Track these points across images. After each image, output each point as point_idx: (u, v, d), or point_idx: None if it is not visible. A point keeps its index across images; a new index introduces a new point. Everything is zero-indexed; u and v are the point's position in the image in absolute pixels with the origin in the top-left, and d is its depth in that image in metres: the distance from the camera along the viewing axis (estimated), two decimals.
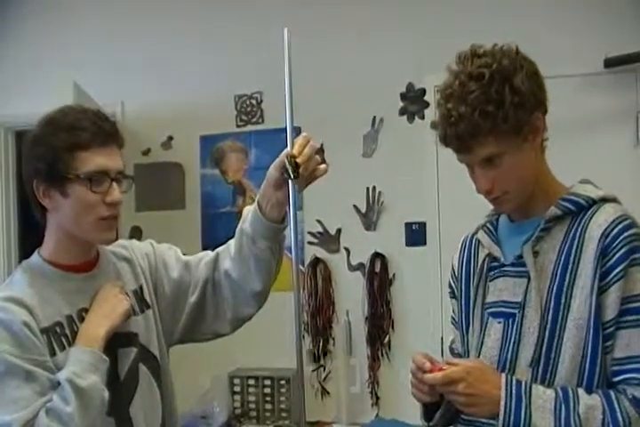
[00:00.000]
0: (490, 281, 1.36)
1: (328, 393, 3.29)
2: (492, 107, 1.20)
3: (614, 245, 1.20)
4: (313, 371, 3.28)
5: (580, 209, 1.27)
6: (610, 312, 1.19)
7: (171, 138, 3.61)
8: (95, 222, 1.32)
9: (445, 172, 3.14)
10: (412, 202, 3.21)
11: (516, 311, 1.28)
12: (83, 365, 1.24)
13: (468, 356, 1.38)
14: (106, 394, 1.26)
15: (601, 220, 1.23)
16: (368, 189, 3.28)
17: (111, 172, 1.32)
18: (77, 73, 3.31)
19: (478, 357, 1.33)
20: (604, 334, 1.20)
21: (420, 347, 3.06)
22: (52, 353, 1.26)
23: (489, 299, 1.35)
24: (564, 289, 1.24)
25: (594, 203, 1.27)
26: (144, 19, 3.62)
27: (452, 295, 1.50)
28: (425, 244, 3.20)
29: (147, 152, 3.63)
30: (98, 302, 1.34)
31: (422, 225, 3.21)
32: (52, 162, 1.28)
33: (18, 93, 3.65)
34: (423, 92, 3.23)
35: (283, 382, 3.20)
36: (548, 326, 1.24)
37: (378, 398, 3.23)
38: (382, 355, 3.23)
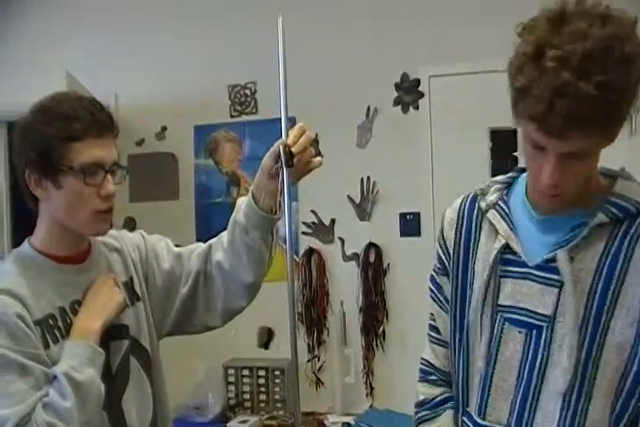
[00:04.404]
0: (503, 277, 1.20)
1: (322, 384, 3.30)
2: (616, 96, 0.98)
3: None
4: (307, 361, 3.28)
5: (626, 216, 1.12)
6: None
7: (164, 128, 3.60)
8: (89, 215, 1.30)
9: (439, 162, 3.14)
10: (406, 192, 3.21)
11: (543, 324, 1.15)
12: (79, 358, 1.22)
13: (459, 351, 1.28)
14: (102, 388, 1.24)
15: None
16: (362, 179, 3.28)
17: (106, 164, 1.29)
18: (71, 64, 3.30)
19: (494, 366, 1.20)
20: None
21: (415, 337, 3.08)
22: (46, 346, 1.24)
23: (504, 300, 1.20)
24: (606, 308, 1.10)
25: None
26: (138, 10, 3.59)
27: (443, 272, 1.35)
28: (419, 234, 3.20)
29: (140, 143, 3.61)
30: (92, 294, 1.32)
31: (416, 215, 3.21)
32: (44, 152, 1.25)
33: (10, 84, 3.63)
34: (418, 82, 3.22)
35: (277, 372, 3.20)
36: (585, 347, 1.11)
37: (372, 388, 3.24)
38: (377, 345, 3.24)
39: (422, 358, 1.43)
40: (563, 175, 1.06)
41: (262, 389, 3.23)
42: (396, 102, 3.26)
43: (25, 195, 1.33)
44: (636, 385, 1.11)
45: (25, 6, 3.74)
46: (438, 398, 1.37)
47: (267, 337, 3.18)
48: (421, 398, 1.40)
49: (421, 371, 1.42)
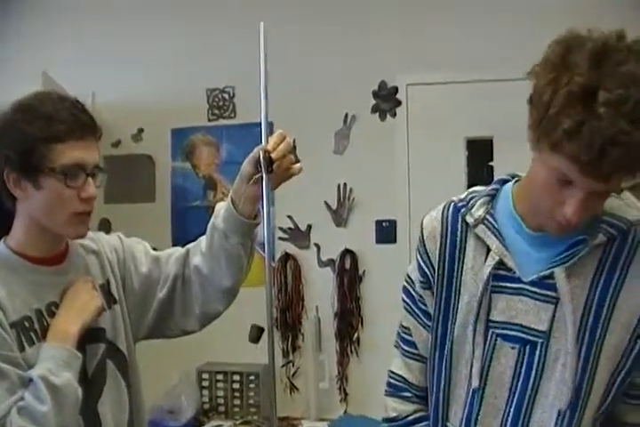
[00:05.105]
0: (495, 293, 1.19)
1: (297, 389, 3.30)
2: None
3: None
4: (282, 366, 3.28)
5: (619, 233, 1.13)
6: None
7: (141, 130, 3.58)
8: (68, 217, 1.28)
9: (416, 170, 3.16)
10: (382, 199, 3.23)
11: (537, 340, 1.15)
12: (56, 361, 1.20)
13: (439, 366, 1.25)
14: (80, 392, 1.22)
15: None
16: (339, 185, 3.29)
17: (87, 166, 1.28)
18: (48, 63, 3.27)
19: (486, 382, 1.19)
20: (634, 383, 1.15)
21: (389, 344, 3.09)
22: (21, 348, 1.22)
23: (496, 316, 1.19)
24: (601, 324, 1.12)
25: (631, 225, 1.14)
26: (116, 12, 3.57)
27: (426, 286, 1.30)
28: (395, 241, 3.22)
29: (117, 144, 3.59)
30: (70, 297, 1.31)
31: (392, 223, 3.23)
32: (25, 152, 1.23)
33: None
34: (395, 90, 3.25)
35: (252, 377, 3.20)
36: (581, 362, 1.12)
37: (346, 394, 3.25)
38: (351, 351, 3.25)
39: (392, 373, 1.39)
40: (586, 209, 1.05)
41: (236, 393, 3.22)
42: (374, 110, 3.28)
43: (2, 194, 1.31)
44: (617, 398, 1.14)
45: (8, 7, 3.70)
46: (412, 417, 1.34)
47: (257, 334, 3.14)
48: (393, 414, 1.36)
49: (391, 386, 1.38)
